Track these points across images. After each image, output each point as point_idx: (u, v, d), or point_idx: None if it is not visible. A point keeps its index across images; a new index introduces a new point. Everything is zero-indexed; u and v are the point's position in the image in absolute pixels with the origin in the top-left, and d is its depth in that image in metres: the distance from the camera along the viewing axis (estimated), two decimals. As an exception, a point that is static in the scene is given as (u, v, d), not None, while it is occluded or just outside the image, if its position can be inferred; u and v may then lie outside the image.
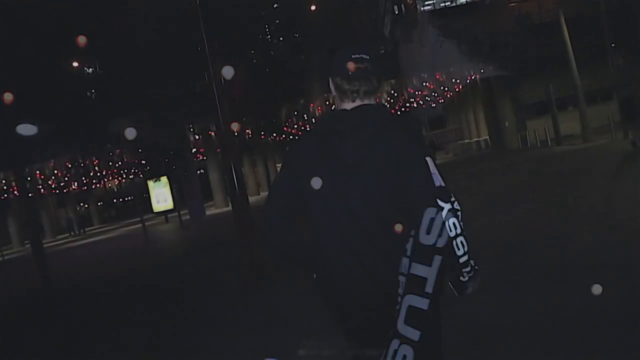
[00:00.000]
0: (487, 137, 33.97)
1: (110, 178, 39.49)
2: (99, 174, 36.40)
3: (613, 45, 18.93)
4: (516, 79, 29.85)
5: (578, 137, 22.74)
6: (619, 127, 18.32)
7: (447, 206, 1.56)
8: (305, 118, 30.58)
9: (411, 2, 39.16)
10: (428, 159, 1.63)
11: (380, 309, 1.66)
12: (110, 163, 32.96)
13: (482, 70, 30.71)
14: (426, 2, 45.73)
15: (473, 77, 32.11)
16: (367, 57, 1.72)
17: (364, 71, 1.70)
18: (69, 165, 29.90)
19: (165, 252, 13.46)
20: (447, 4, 46.39)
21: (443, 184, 1.61)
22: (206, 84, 6.21)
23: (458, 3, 46.13)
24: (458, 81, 32.97)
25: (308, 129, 32.87)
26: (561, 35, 21.28)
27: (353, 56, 1.71)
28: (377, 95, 1.77)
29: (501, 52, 28.58)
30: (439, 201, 1.56)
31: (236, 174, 5.83)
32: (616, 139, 18.10)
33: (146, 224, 18.70)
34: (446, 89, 34.47)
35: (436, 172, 1.62)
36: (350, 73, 1.70)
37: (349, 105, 1.73)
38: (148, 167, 21.55)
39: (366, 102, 1.73)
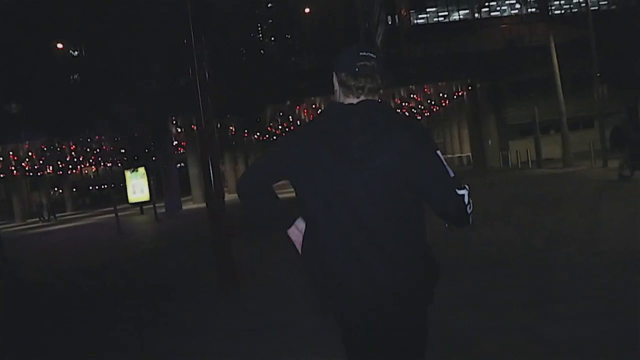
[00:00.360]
0: (470, 154, 34.27)
1: (87, 165, 38.71)
2: (75, 160, 35.61)
3: (599, 75, 19.21)
4: (503, 99, 30.22)
5: (558, 161, 23.04)
6: (599, 154, 18.60)
7: (464, 192, 1.68)
8: (290, 119, 30.43)
9: (405, 14, 39.45)
10: (438, 152, 1.69)
11: (383, 313, 1.68)
12: (88, 149, 32.26)
13: (469, 87, 31.01)
14: (419, 16, 46.21)
15: (461, 93, 32.40)
16: (374, 56, 1.74)
17: (370, 69, 1.72)
18: (44, 149, 29.15)
19: (137, 244, 13.07)
20: (440, 19, 46.95)
21: (453, 174, 1.68)
22: (189, 78, 5.97)
23: (451, 19, 46.74)
24: (445, 96, 33.23)
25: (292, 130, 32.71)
26: (550, 60, 21.57)
27: (361, 54, 1.73)
28: (379, 94, 1.78)
29: (490, 71, 28.89)
30: (457, 190, 1.67)
31: (213, 170, 5.62)
32: (595, 166, 18.36)
33: (121, 214, 18.25)
34: (433, 102, 34.71)
35: (445, 164, 1.69)
36: (356, 69, 1.71)
37: (352, 101, 1.74)
38: (126, 157, 21.08)
39: (369, 98, 1.74)
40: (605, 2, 35.10)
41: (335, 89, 1.79)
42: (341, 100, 1.76)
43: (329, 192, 1.67)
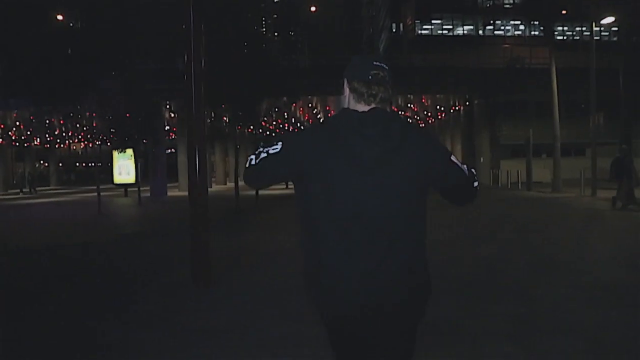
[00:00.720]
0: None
1: (76, 141, 38.06)
2: (64, 134, 34.99)
3: (596, 104, 19.30)
4: (498, 118, 30.29)
5: (547, 185, 23.13)
6: (589, 183, 18.66)
7: (477, 183, 1.88)
8: (286, 116, 30.19)
9: (410, 23, 39.43)
10: (453, 157, 1.81)
11: (383, 315, 1.71)
12: (78, 125, 31.71)
13: (467, 103, 31.03)
14: (424, 27, 46.27)
15: (457, 108, 32.42)
16: (386, 67, 1.80)
17: (383, 79, 1.78)
18: (33, 120, 28.55)
19: (115, 227, 12.76)
20: (444, 32, 47.04)
21: (467, 171, 1.83)
22: (185, 63, 5.75)
23: (455, 33, 46.87)
24: (442, 108, 33.23)
25: (287, 127, 32.59)
26: (550, 84, 21.62)
27: (374, 63, 1.79)
28: (388, 104, 1.83)
29: (488, 89, 28.94)
30: (473, 184, 1.86)
31: (200, 158, 5.41)
32: (584, 195, 18.40)
33: (104, 194, 17.90)
34: (429, 114, 34.68)
35: (460, 165, 1.81)
36: (370, 77, 1.77)
37: (363, 109, 1.77)
38: (115, 137, 20.69)
39: (380, 107, 1.78)
40: (607, 34, 35.45)
41: (344, 95, 1.83)
42: (351, 107, 1.79)
43: (341, 198, 1.69)
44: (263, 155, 1.76)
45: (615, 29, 35.70)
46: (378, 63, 1.78)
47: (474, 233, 9.93)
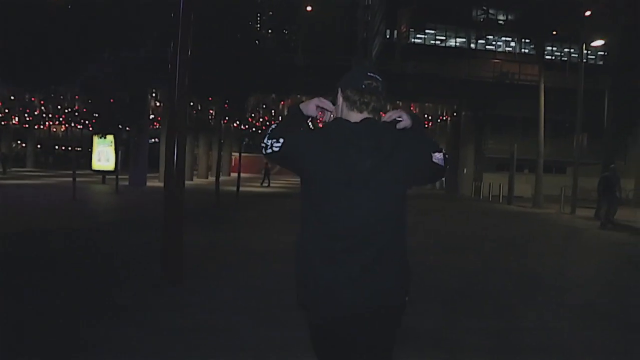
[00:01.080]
0: (443, 179, 34.47)
1: (56, 123, 37.24)
2: (44, 115, 34.21)
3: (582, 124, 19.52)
4: (484, 131, 30.52)
5: (527, 200, 23.31)
6: (569, 200, 18.85)
7: (447, 166, 1.90)
8: (273, 114, 29.97)
9: (404, 30, 39.50)
10: (437, 155, 1.84)
11: (367, 314, 1.77)
12: (60, 107, 31.02)
13: (454, 114, 31.19)
14: (417, 35, 46.43)
15: (445, 118, 32.57)
16: (380, 79, 1.86)
17: (375, 89, 1.83)
18: (13, 98, 27.82)
19: (88, 215, 12.38)
20: (437, 42, 47.29)
21: (442, 163, 1.85)
22: (171, 52, 5.53)
23: (447, 45, 47.13)
24: (430, 117, 33.35)
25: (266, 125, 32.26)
26: (537, 101, 21.81)
27: (368, 74, 1.85)
28: (379, 115, 1.88)
29: (476, 101, 29.12)
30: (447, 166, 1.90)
31: (178, 150, 5.18)
32: (564, 212, 18.56)
33: (81, 180, 17.42)
34: (417, 122, 34.72)
35: (441, 159, 1.84)
36: (363, 86, 1.82)
37: (355, 117, 1.83)
38: (97, 122, 20.21)
39: (372, 117, 1.83)
40: (594, 57, 36.01)
41: (337, 104, 1.88)
42: (344, 116, 1.85)
43: (333, 207, 1.75)
44: (271, 151, 1.87)
45: (602, 53, 36.41)
46: (372, 74, 1.85)
47: (455, 244, 9.85)
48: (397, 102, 31.95)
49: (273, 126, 1.97)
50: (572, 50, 38.91)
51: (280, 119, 2.08)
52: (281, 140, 1.84)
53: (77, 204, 14.28)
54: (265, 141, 1.88)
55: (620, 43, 18.00)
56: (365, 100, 1.81)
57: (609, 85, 21.26)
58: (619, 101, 17.86)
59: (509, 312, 5.08)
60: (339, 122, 1.83)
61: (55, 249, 7.61)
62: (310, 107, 1.94)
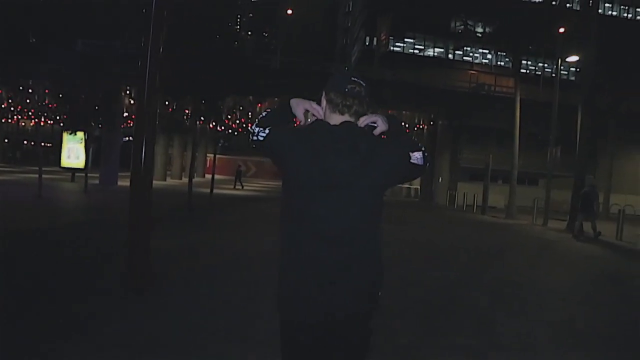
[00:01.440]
0: (418, 187, 34.66)
1: (26, 117, 36.02)
2: (12, 109, 33.04)
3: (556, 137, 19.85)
4: (461, 141, 30.82)
5: (500, 210, 23.58)
6: (541, 212, 19.11)
7: (428, 163, 1.92)
8: (250, 116, 29.63)
9: (384, 38, 39.70)
10: (416, 155, 1.87)
11: (342, 316, 1.79)
12: (29, 100, 30.00)
13: (432, 122, 31.41)
14: (396, 44, 46.77)
15: (422, 126, 32.79)
16: (363, 84, 1.91)
17: (358, 93, 1.88)
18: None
19: (53, 213, 11.87)
20: (415, 52, 47.72)
21: (421, 162, 1.88)
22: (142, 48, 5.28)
23: (425, 54, 47.62)
24: (407, 125, 33.53)
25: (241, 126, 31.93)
26: (511, 112, 22.10)
27: (352, 79, 1.90)
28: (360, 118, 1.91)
29: (453, 111, 29.39)
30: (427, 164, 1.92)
31: (146, 150, 4.92)
32: (536, 223, 18.80)
33: (50, 176, 16.77)
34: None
35: (420, 158, 1.87)
36: (346, 90, 1.87)
37: (337, 119, 1.87)
38: (66, 117, 19.54)
39: (352, 120, 1.88)
40: (566, 73, 36.89)
41: (321, 106, 1.93)
42: (326, 118, 1.90)
43: (309, 210, 1.79)
44: (256, 138, 1.88)
45: (573, 69, 37.32)
46: (356, 79, 1.90)
47: (431, 255, 9.78)
48: (375, 108, 32.04)
49: (263, 114, 1.99)
50: (545, 65, 39.83)
51: (269, 109, 2.03)
52: (267, 130, 1.86)
53: (41, 202, 13.72)
54: (253, 127, 1.91)
55: (591, 60, 18.42)
56: (348, 103, 1.86)
57: (581, 101, 21.71)
58: (590, 117, 18.23)
59: (488, 328, 4.97)
60: (318, 123, 1.86)
61: (11, 250, 7.19)
62: (299, 108, 1.95)
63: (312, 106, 1.94)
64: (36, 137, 46.42)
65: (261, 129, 1.86)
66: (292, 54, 31.88)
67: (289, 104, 1.97)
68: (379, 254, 1.88)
